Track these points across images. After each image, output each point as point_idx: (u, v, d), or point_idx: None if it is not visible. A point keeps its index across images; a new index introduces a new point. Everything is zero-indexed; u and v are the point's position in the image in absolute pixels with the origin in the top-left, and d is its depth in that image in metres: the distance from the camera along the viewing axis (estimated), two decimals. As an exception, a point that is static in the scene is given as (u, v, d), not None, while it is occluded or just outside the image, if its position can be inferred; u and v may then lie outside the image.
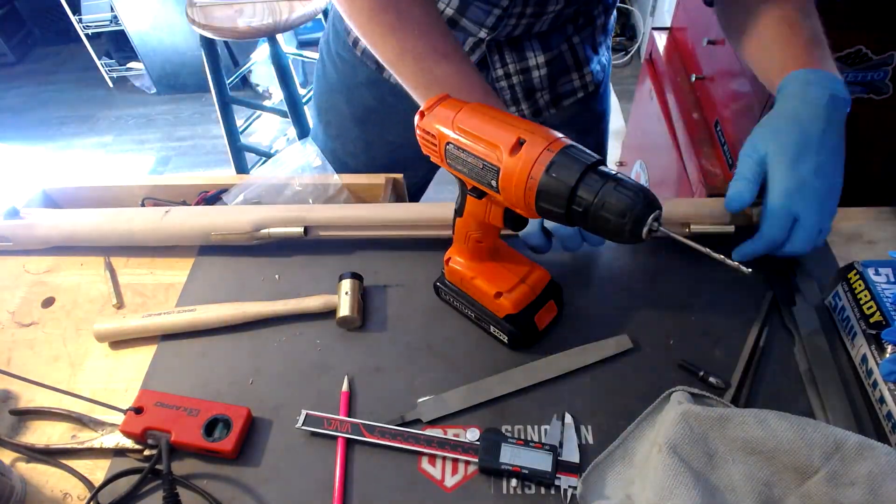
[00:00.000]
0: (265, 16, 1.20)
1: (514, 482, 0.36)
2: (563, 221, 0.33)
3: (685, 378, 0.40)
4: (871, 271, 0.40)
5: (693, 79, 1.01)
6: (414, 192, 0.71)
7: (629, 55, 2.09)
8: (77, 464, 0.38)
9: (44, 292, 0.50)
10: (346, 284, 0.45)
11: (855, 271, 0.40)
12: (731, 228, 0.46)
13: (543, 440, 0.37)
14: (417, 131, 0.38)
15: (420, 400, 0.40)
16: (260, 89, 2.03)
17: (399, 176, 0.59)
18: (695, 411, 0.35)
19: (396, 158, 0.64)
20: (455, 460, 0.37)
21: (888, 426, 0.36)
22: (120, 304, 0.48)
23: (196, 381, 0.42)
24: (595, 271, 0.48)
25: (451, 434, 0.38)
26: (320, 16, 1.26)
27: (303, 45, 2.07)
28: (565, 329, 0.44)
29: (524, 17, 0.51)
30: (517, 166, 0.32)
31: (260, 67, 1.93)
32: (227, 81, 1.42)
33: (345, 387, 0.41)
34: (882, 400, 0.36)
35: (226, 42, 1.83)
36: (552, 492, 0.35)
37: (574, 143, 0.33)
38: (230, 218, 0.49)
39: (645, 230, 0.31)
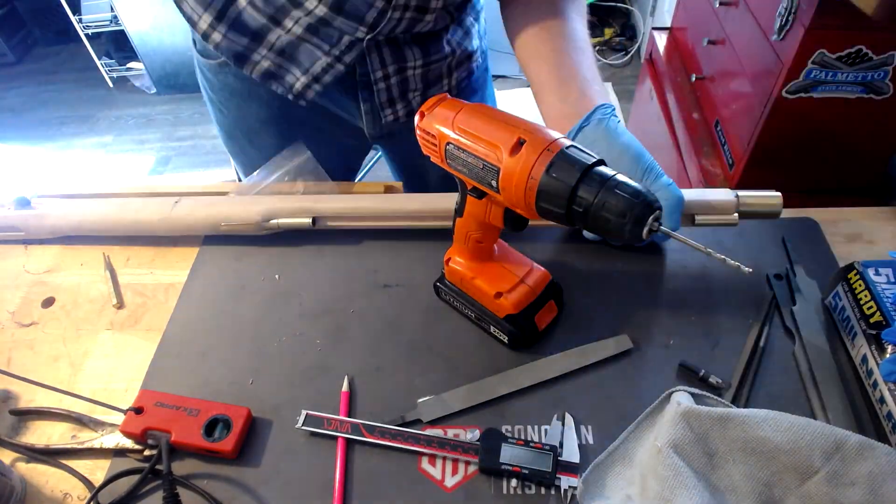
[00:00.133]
0: (265, 16, 1.20)
1: (514, 482, 0.36)
2: (563, 222, 0.33)
3: (685, 378, 0.40)
4: (871, 271, 0.40)
5: (693, 79, 1.01)
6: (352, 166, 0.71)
7: (629, 55, 2.09)
8: (77, 464, 0.38)
9: (44, 292, 0.50)
10: None
11: (855, 271, 0.40)
12: (736, 219, 0.46)
13: (543, 440, 0.37)
14: (417, 131, 0.38)
15: (420, 400, 0.40)
16: (260, 89, 2.03)
17: (398, 185, 0.59)
18: (695, 411, 0.35)
19: (333, 155, 0.62)
20: (455, 460, 0.37)
21: (888, 426, 0.36)
22: (120, 304, 0.48)
23: (196, 381, 0.42)
24: (595, 271, 0.48)
25: (451, 434, 0.38)
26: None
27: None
28: (565, 329, 0.44)
29: (409, 10, 0.48)
30: (517, 166, 0.32)
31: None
32: (227, 81, 1.42)
33: (345, 387, 0.41)
34: (882, 400, 0.36)
35: (226, 42, 1.82)
36: (552, 492, 0.35)
37: (574, 144, 0.33)
38: (239, 208, 0.50)
39: (645, 230, 0.31)
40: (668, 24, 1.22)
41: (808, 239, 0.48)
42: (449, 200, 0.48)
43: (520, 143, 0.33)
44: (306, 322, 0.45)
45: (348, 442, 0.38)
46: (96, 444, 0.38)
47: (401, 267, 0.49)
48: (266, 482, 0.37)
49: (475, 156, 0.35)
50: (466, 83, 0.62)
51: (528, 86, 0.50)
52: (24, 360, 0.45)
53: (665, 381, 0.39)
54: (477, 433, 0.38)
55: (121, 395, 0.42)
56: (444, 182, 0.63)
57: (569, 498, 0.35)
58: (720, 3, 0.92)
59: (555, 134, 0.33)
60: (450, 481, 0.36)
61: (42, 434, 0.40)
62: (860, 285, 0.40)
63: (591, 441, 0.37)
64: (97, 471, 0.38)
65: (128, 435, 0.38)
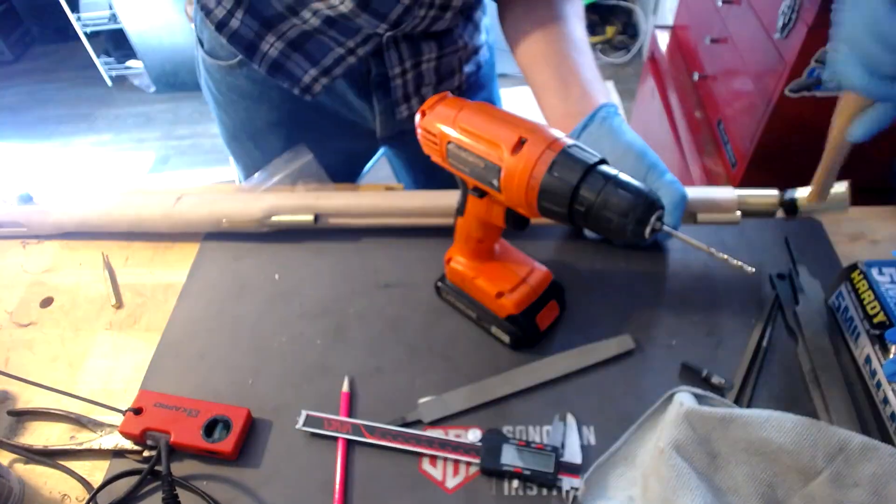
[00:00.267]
0: (265, 14, 1.19)
1: (515, 483, 0.36)
2: (564, 221, 0.33)
3: (688, 378, 0.40)
4: (874, 271, 0.39)
5: (695, 77, 1.01)
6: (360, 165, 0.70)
7: (631, 54, 2.08)
8: (76, 465, 0.38)
9: (42, 292, 0.49)
10: None
11: (858, 271, 0.40)
12: (738, 217, 0.45)
13: (545, 441, 0.37)
14: (419, 130, 0.38)
15: (421, 400, 0.40)
16: (259, 88, 2.02)
17: (399, 186, 0.59)
18: (697, 412, 0.35)
19: (338, 159, 0.62)
20: (456, 461, 0.37)
21: (892, 427, 0.36)
22: (119, 304, 0.48)
23: (196, 381, 0.42)
24: (597, 271, 0.47)
25: (452, 435, 0.38)
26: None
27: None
28: (567, 329, 0.43)
29: (433, 7, 0.48)
30: (518, 166, 0.32)
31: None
32: (227, 80, 1.41)
33: (345, 387, 0.41)
34: (886, 401, 0.36)
35: (225, 40, 1.82)
36: (554, 493, 0.35)
37: (576, 143, 0.33)
38: (241, 205, 0.50)
39: (648, 229, 0.31)
40: (671, 23, 1.22)
41: (811, 238, 0.48)
42: (451, 197, 0.48)
43: (521, 143, 0.33)
44: (306, 322, 0.45)
45: (349, 443, 0.38)
46: (95, 445, 0.38)
47: (401, 267, 0.49)
48: (266, 483, 0.37)
49: (476, 155, 0.34)
50: (475, 77, 0.62)
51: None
52: (22, 361, 0.45)
53: (667, 382, 0.39)
54: (478, 434, 0.38)
55: (120, 396, 0.42)
56: (455, 183, 0.63)
57: (571, 499, 0.35)
58: (723, 2, 0.92)
59: (557, 133, 0.33)
60: (451, 482, 0.36)
61: (40, 435, 0.40)
62: (863, 285, 0.39)
63: (593, 442, 0.37)
64: (96, 472, 0.38)
65: (127, 436, 0.38)
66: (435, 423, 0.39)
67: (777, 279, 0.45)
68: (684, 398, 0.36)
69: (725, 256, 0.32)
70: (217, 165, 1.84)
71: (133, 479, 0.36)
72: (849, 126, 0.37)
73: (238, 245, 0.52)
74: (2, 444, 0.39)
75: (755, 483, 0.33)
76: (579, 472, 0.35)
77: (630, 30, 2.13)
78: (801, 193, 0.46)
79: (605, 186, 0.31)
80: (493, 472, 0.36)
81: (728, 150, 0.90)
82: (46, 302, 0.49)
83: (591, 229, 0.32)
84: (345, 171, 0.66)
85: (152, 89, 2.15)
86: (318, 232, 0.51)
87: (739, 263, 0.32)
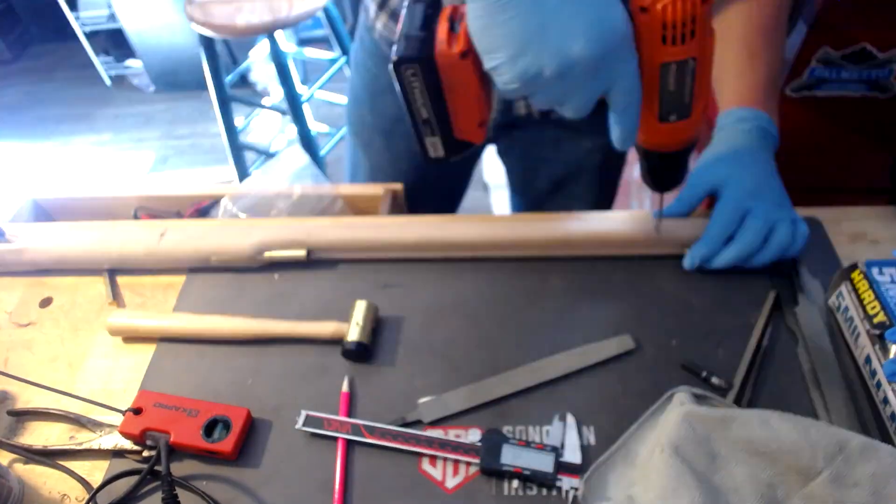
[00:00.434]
0: (264, 13, 1.19)
1: (515, 483, 0.36)
2: None
3: (687, 378, 0.40)
4: (875, 271, 0.39)
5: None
6: (446, 208, 0.70)
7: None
8: (75, 465, 0.38)
9: (41, 292, 0.49)
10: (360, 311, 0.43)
11: (858, 271, 0.40)
12: None
13: (545, 441, 0.37)
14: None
15: (421, 400, 0.40)
16: (259, 87, 2.02)
17: (399, 186, 0.58)
18: (697, 412, 0.35)
19: (424, 174, 0.62)
20: (456, 461, 0.37)
21: (892, 427, 0.36)
22: (118, 305, 0.48)
23: (195, 381, 0.42)
24: (597, 271, 0.47)
25: (451, 435, 0.38)
26: (320, 13, 1.25)
27: (303, 42, 2.07)
28: (567, 329, 0.43)
29: None
30: None
31: (259, 65, 1.92)
32: (227, 79, 1.42)
33: (345, 387, 0.41)
34: (886, 401, 0.36)
35: (225, 40, 1.82)
36: (554, 493, 0.35)
37: None
38: (230, 240, 0.48)
39: None
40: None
41: (811, 238, 0.48)
42: (449, 228, 0.47)
43: None
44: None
45: (348, 443, 0.38)
46: (95, 445, 0.38)
47: (401, 266, 0.49)
48: (266, 483, 0.36)
49: None
50: None
51: None
52: (21, 361, 0.44)
53: (667, 382, 0.39)
54: (478, 434, 0.38)
55: (119, 396, 0.42)
56: (553, 184, 0.59)
57: (570, 499, 0.35)
58: (722, 1, 0.91)
59: None
60: (450, 482, 0.36)
61: (40, 435, 0.40)
62: (864, 285, 0.39)
63: (592, 442, 0.37)
64: (95, 472, 0.38)
65: (126, 436, 0.38)
66: (435, 423, 0.39)
67: (777, 279, 0.45)
68: (684, 398, 0.36)
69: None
70: (216, 165, 1.83)
71: (133, 479, 0.36)
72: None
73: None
74: (1, 444, 0.39)
75: (755, 483, 0.33)
76: (579, 472, 0.35)
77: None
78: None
79: None
80: (493, 472, 0.36)
81: (728, 150, 0.89)
82: (46, 302, 0.49)
83: None
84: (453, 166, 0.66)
85: (151, 89, 2.14)
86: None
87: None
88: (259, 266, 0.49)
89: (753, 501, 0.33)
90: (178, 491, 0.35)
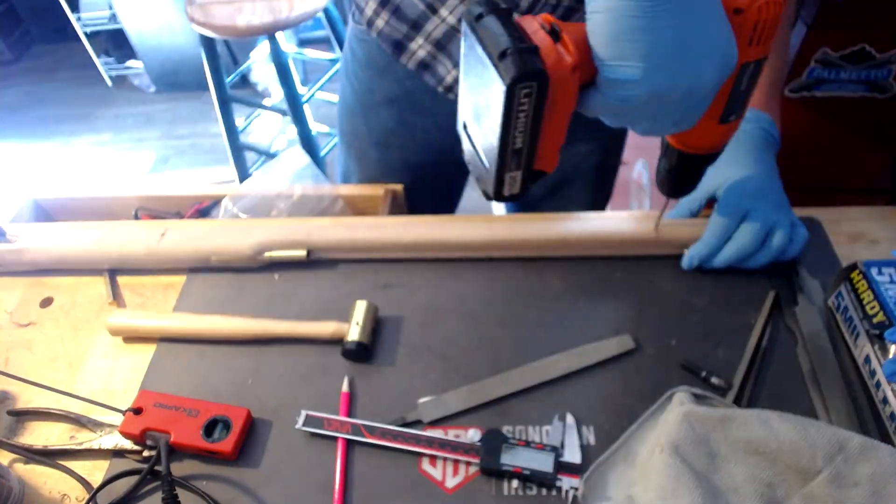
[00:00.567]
0: (265, 14, 1.20)
1: (515, 483, 0.36)
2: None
3: (687, 378, 0.40)
4: (874, 271, 0.39)
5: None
6: (444, 210, 0.69)
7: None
8: (75, 465, 0.38)
9: (42, 292, 0.49)
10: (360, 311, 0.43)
11: (858, 271, 0.40)
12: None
13: (545, 441, 0.37)
14: None
15: (421, 400, 0.40)
16: (260, 88, 2.02)
17: (399, 187, 0.58)
18: (697, 412, 0.35)
19: (418, 184, 0.62)
20: (456, 461, 0.37)
21: (891, 427, 0.36)
22: (118, 305, 0.48)
23: (195, 381, 0.42)
24: (597, 271, 0.47)
25: (451, 435, 0.38)
26: (321, 14, 1.25)
27: (303, 43, 2.07)
28: (567, 329, 0.43)
29: None
30: None
31: (260, 66, 1.92)
32: (227, 80, 1.42)
33: (345, 387, 0.41)
34: (885, 401, 0.36)
35: (225, 40, 1.83)
36: (553, 493, 0.35)
37: None
38: (230, 240, 0.48)
39: None
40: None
41: (810, 238, 0.48)
42: (450, 229, 0.47)
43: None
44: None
45: (348, 443, 0.38)
46: (95, 445, 0.38)
47: (401, 266, 0.49)
48: (266, 483, 0.37)
49: None
50: None
51: None
52: (21, 361, 0.45)
53: (667, 382, 0.39)
54: (478, 434, 0.38)
55: (119, 396, 0.42)
56: (549, 189, 0.60)
57: (570, 499, 0.35)
58: (721, 1, 0.91)
59: None
60: (450, 482, 0.36)
61: (40, 435, 0.40)
62: (863, 285, 0.39)
63: (592, 441, 0.37)
64: (96, 472, 0.38)
65: (127, 436, 0.38)
66: (435, 423, 0.39)
67: (776, 279, 0.45)
68: (684, 398, 0.36)
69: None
70: (216, 165, 1.83)
71: (133, 479, 0.36)
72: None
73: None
74: (2, 443, 0.39)
75: (754, 483, 0.33)
76: (579, 472, 0.35)
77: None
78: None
79: None
80: (493, 471, 0.36)
81: (728, 150, 0.90)
82: (46, 302, 0.49)
83: None
84: (450, 160, 0.65)
85: (152, 89, 2.15)
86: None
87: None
88: (259, 266, 0.49)
89: (753, 501, 0.33)
90: (179, 491, 0.35)
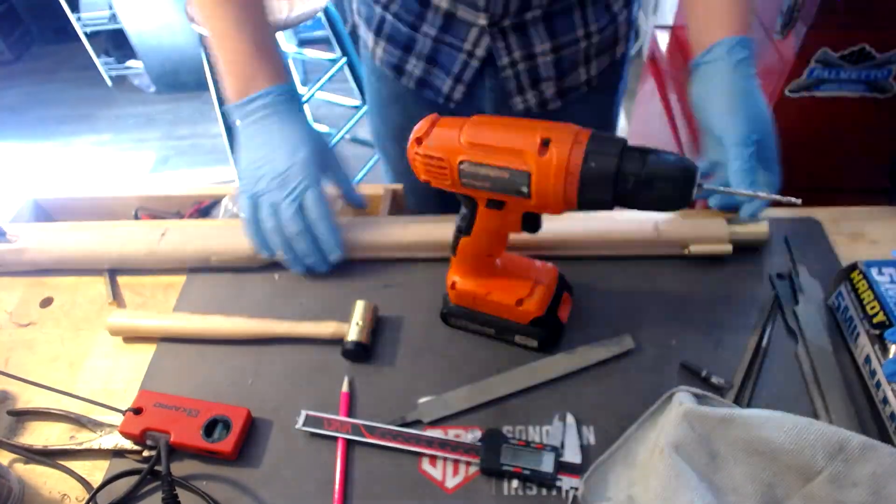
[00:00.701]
0: (264, 14, 1.19)
1: (515, 483, 0.36)
2: (607, 207, 0.33)
3: (687, 378, 0.40)
4: (874, 271, 0.39)
5: (694, 77, 1.01)
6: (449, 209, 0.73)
7: (631, 53, 2.08)
8: (75, 465, 0.38)
9: (42, 292, 0.49)
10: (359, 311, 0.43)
11: (858, 271, 0.40)
12: (729, 248, 0.46)
13: (545, 441, 0.37)
14: (416, 159, 0.36)
15: (421, 400, 0.40)
16: (259, 88, 2.02)
17: (399, 187, 0.58)
18: (697, 412, 0.35)
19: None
20: (456, 461, 0.37)
21: (892, 427, 0.36)
22: (118, 305, 0.48)
23: (195, 381, 0.42)
24: (596, 272, 0.47)
25: (451, 435, 0.38)
26: (320, 14, 1.25)
27: (303, 43, 2.07)
28: (567, 329, 0.43)
29: None
30: (551, 166, 0.32)
31: (259, 66, 1.92)
32: (227, 80, 1.41)
33: (345, 387, 0.41)
34: (885, 400, 0.36)
35: (225, 40, 1.82)
36: (554, 493, 0.35)
37: (593, 130, 0.33)
38: (230, 240, 0.48)
39: (695, 190, 0.31)
40: (671, 23, 1.22)
41: (810, 238, 0.48)
42: (449, 229, 0.47)
43: (545, 143, 0.32)
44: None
45: (348, 442, 0.38)
46: (95, 445, 0.38)
47: (401, 266, 0.49)
48: (266, 483, 0.37)
49: (498, 167, 0.34)
50: (609, 72, 0.60)
51: None
52: (22, 361, 0.45)
53: (667, 382, 0.39)
54: (478, 434, 0.38)
55: (120, 396, 0.42)
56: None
57: (570, 499, 0.35)
58: (722, 2, 0.91)
59: (572, 125, 0.33)
60: (450, 482, 0.36)
61: (40, 435, 0.40)
62: (863, 285, 0.39)
63: (592, 441, 0.37)
64: (96, 472, 0.38)
65: (127, 436, 0.38)
66: (435, 423, 0.39)
67: (777, 279, 0.45)
68: (684, 398, 0.36)
69: (767, 195, 0.34)
70: (217, 165, 1.83)
71: (133, 479, 0.36)
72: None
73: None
74: (2, 443, 0.39)
75: (755, 483, 0.33)
76: (579, 472, 0.35)
77: (630, 30, 2.13)
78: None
79: (645, 162, 0.31)
80: (493, 471, 0.36)
81: (728, 150, 0.90)
82: (46, 302, 0.49)
83: (635, 207, 0.32)
84: None
85: (152, 89, 2.15)
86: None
87: (789, 198, 0.32)
88: (259, 266, 0.49)
89: (753, 501, 0.33)
90: (179, 491, 0.35)
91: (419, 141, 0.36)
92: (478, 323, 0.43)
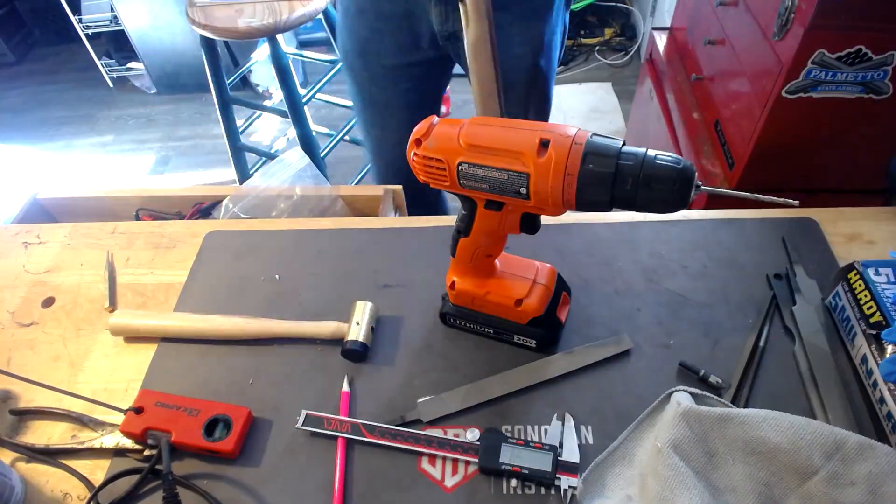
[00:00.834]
0: (265, 16, 1.20)
1: (514, 482, 0.36)
2: (604, 209, 0.33)
3: (685, 378, 0.40)
4: (871, 271, 0.40)
5: (693, 79, 1.01)
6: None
7: (629, 55, 2.09)
8: (77, 464, 0.38)
9: (44, 292, 0.50)
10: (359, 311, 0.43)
11: (855, 271, 0.40)
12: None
13: (543, 440, 0.37)
14: (415, 160, 0.36)
15: (420, 400, 0.40)
16: (260, 89, 2.03)
17: (398, 187, 0.59)
18: (695, 411, 0.35)
19: (403, 98, 0.67)
20: (455, 460, 0.37)
21: (888, 426, 0.36)
22: (112, 307, 0.48)
23: (196, 381, 0.42)
24: (595, 272, 0.48)
25: (451, 434, 0.38)
26: (320, 16, 1.26)
27: (303, 45, 2.07)
28: (566, 329, 0.43)
29: None
30: (550, 167, 0.32)
31: (260, 67, 1.93)
32: (227, 81, 1.42)
33: (345, 387, 0.41)
34: (882, 400, 0.36)
35: (226, 42, 1.83)
36: (552, 492, 0.35)
37: (593, 132, 0.33)
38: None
39: (693, 191, 0.31)
40: (668, 24, 1.22)
41: (807, 239, 0.49)
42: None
43: (544, 144, 0.32)
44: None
45: (348, 442, 0.38)
46: (96, 444, 0.38)
47: (401, 267, 0.49)
48: (266, 482, 0.37)
49: (497, 168, 0.34)
50: None
51: None
52: (24, 360, 0.45)
53: (665, 381, 0.39)
54: (477, 433, 0.38)
55: (121, 395, 0.42)
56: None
57: (569, 498, 0.35)
58: (720, 4, 0.92)
59: (569, 126, 0.33)
60: (450, 481, 0.36)
61: (42, 434, 0.40)
62: (860, 285, 0.40)
63: (591, 441, 0.37)
64: (97, 471, 0.38)
65: (128, 435, 0.38)
66: (434, 423, 0.39)
67: (774, 279, 0.45)
68: (682, 398, 0.37)
69: (773, 197, 0.32)
70: (217, 167, 1.84)
71: (134, 478, 0.36)
72: None
73: (239, 244, 0.52)
74: (4, 442, 0.39)
75: (752, 482, 0.33)
76: (577, 472, 0.36)
77: (628, 31, 2.13)
78: None
79: (643, 163, 0.31)
80: (492, 471, 0.36)
81: (726, 151, 0.90)
82: (48, 302, 0.49)
83: (632, 209, 0.32)
84: (417, 99, 0.69)
85: (153, 91, 2.15)
86: (317, 233, 0.51)
87: (785, 200, 0.32)
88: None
89: (751, 500, 0.33)
90: (179, 490, 0.35)
91: (418, 142, 0.36)
92: (477, 323, 0.43)
